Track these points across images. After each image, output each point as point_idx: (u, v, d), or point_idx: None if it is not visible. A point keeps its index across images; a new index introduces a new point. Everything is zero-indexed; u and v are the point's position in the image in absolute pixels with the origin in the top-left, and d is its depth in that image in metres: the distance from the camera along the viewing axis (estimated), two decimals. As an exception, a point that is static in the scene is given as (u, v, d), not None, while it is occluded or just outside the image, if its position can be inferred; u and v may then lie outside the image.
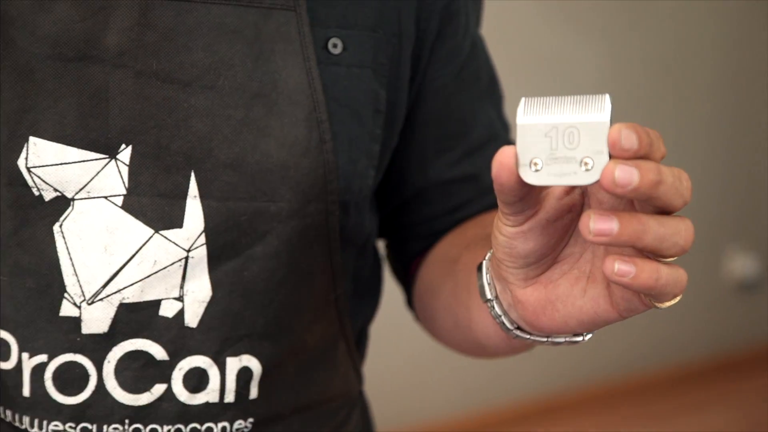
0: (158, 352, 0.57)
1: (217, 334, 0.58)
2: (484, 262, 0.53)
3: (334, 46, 0.60)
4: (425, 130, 0.66)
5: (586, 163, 0.43)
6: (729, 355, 2.43)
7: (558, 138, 0.43)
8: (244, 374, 0.59)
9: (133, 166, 0.56)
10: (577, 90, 2.12)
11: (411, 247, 0.70)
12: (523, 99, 0.44)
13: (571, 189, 0.47)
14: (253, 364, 0.59)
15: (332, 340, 0.64)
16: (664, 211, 0.44)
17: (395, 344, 1.92)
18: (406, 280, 0.71)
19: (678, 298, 0.46)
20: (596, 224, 0.42)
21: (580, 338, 0.51)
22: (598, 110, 0.43)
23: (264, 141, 0.57)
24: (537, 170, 0.44)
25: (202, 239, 0.57)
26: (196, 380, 0.58)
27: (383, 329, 1.49)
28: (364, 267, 0.67)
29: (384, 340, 1.74)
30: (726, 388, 2.33)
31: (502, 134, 0.69)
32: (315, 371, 0.63)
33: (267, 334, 0.59)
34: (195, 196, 0.57)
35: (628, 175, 0.41)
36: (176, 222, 0.56)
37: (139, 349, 0.57)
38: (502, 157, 0.44)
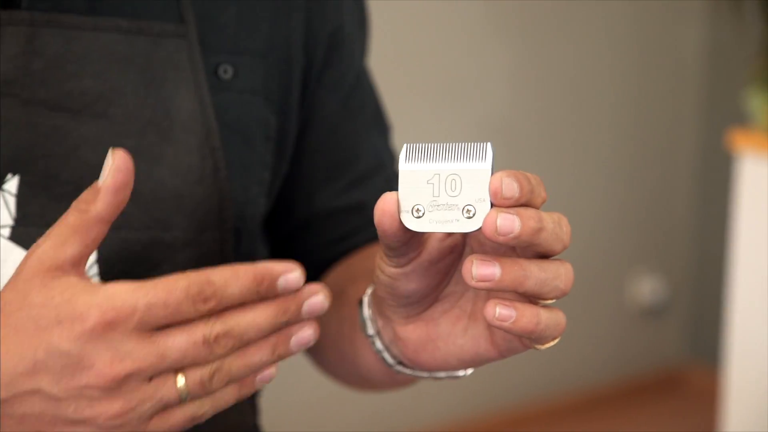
0: None
1: None
2: (365, 298, 0.54)
3: (225, 72, 0.61)
4: (312, 158, 0.68)
5: (468, 211, 0.45)
6: (634, 381, 2.50)
7: (440, 185, 0.45)
8: None
9: (20, 197, 0.56)
10: (486, 101, 2.18)
11: None
12: (405, 145, 0.47)
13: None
14: None
15: None
16: (545, 255, 0.46)
17: (296, 375, 1.93)
18: None
19: (557, 340, 0.49)
20: (478, 270, 0.44)
21: (461, 374, 0.54)
22: (480, 158, 0.45)
23: (157, 169, 0.58)
24: (419, 217, 0.46)
25: (95, 269, 0.57)
26: None
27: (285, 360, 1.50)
28: None
29: (285, 370, 1.75)
30: (632, 414, 2.40)
31: (389, 164, 0.71)
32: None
33: None
34: None
35: (509, 223, 0.43)
36: None
37: None
38: (384, 204, 0.46)
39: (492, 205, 0.45)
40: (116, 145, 0.58)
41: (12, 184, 0.57)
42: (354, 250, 0.69)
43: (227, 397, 0.47)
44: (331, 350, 0.67)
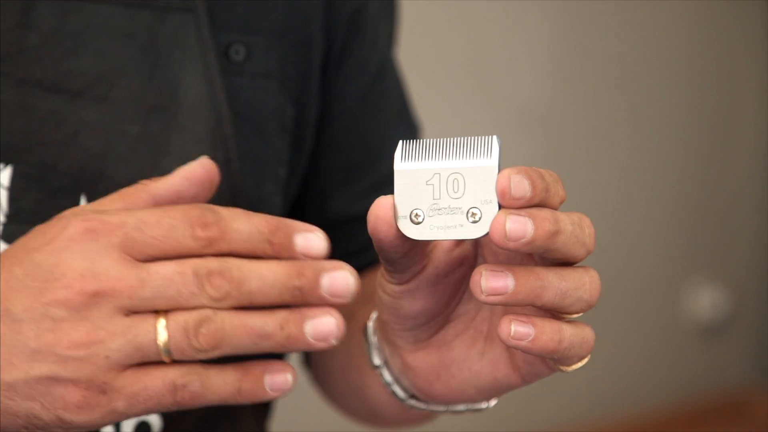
0: None
1: None
2: (370, 323, 0.54)
3: (236, 52, 0.62)
4: (327, 157, 0.68)
5: (473, 214, 0.45)
6: (691, 407, 2.49)
7: (441, 186, 0.45)
8: (142, 430, 0.60)
9: (13, 190, 0.57)
10: (523, 87, 2.18)
11: None
12: (400, 142, 0.47)
13: (461, 240, 0.48)
14: (152, 417, 0.60)
15: None
16: (565, 262, 0.46)
17: (311, 400, 1.93)
18: None
19: (585, 361, 0.48)
20: (488, 282, 0.44)
21: (483, 405, 0.53)
22: (485, 154, 0.45)
23: (164, 160, 0.59)
24: (418, 223, 0.45)
25: None
26: None
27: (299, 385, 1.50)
28: None
29: (300, 395, 1.75)
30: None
31: None
32: (216, 425, 0.65)
33: None
34: None
35: (520, 227, 0.43)
36: None
37: None
38: (378, 209, 0.46)
39: (500, 207, 0.44)
40: (119, 132, 0.59)
41: (4, 175, 0.58)
42: (371, 266, 0.69)
43: (222, 380, 0.43)
44: (338, 381, 0.67)
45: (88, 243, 0.43)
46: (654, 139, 2.37)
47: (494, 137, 0.45)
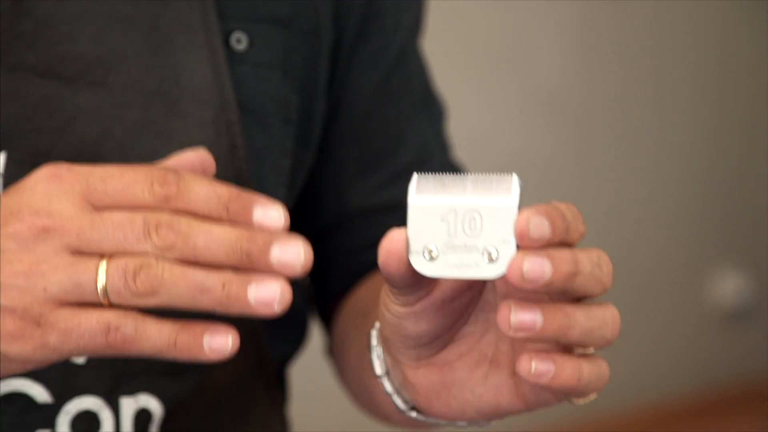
0: (40, 393, 0.59)
1: (110, 371, 0.60)
2: (373, 332, 0.54)
3: (238, 41, 0.62)
4: (345, 147, 0.68)
5: (489, 253, 0.45)
6: (715, 395, 2.49)
7: (457, 223, 0.45)
8: (143, 417, 0.61)
9: (8, 177, 0.57)
10: (539, 69, 2.17)
11: (330, 287, 0.71)
12: (415, 175, 0.47)
13: None
14: (153, 404, 0.61)
15: (248, 376, 0.66)
16: (580, 298, 0.46)
17: (332, 386, 1.94)
18: (328, 324, 0.73)
19: (596, 394, 0.49)
20: (517, 316, 0.44)
21: (486, 424, 0.53)
22: (504, 192, 0.45)
23: (165, 146, 0.59)
24: (432, 259, 0.45)
25: None
26: (85, 425, 0.60)
27: (322, 371, 1.51)
28: None
29: (322, 381, 1.76)
30: (713, 431, 2.39)
31: (438, 155, 0.71)
32: (227, 413, 0.65)
33: (168, 370, 0.61)
34: None
35: (538, 268, 0.43)
36: None
37: (16, 390, 0.59)
38: (390, 242, 0.46)
39: (518, 247, 0.45)
40: (117, 118, 0.59)
41: None
42: None
43: (158, 330, 0.45)
44: (353, 378, 0.68)
45: (51, 185, 0.45)
46: (679, 124, 2.36)
47: (513, 175, 0.46)
